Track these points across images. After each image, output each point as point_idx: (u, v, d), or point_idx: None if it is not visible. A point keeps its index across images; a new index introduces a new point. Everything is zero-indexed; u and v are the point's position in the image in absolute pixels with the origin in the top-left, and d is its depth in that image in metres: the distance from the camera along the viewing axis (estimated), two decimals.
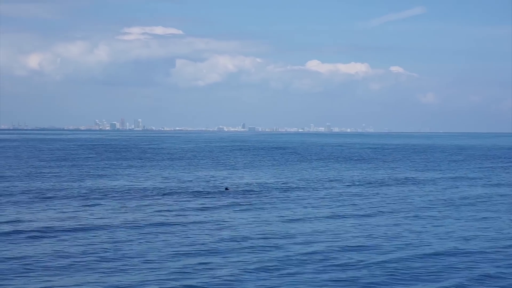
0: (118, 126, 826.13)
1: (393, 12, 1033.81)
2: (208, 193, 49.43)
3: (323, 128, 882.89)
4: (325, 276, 23.11)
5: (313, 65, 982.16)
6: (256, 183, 58.90)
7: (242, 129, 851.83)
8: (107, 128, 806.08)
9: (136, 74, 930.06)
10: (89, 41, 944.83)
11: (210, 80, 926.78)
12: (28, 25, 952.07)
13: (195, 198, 46.09)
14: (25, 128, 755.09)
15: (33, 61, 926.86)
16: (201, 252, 26.77)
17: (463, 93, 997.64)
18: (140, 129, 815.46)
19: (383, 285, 22.16)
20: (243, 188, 53.51)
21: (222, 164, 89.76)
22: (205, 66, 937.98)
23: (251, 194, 48.82)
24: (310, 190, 53.08)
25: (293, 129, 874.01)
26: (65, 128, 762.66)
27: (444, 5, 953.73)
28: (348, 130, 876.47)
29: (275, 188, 53.81)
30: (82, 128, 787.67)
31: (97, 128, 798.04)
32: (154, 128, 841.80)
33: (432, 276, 23.23)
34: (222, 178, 64.69)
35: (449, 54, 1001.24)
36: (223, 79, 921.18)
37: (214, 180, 61.39)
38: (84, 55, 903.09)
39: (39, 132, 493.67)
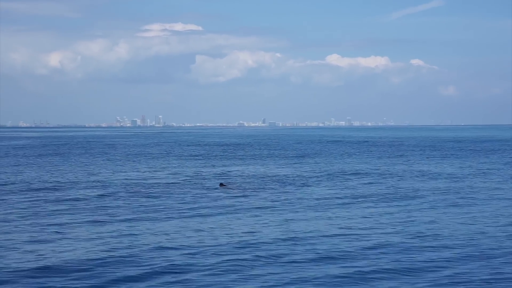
0: (139, 122, 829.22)
1: (412, 6, 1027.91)
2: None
3: (343, 122, 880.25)
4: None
5: (333, 59, 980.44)
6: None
7: (263, 124, 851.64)
8: (128, 125, 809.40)
9: (156, 70, 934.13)
10: (109, 38, 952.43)
11: (230, 76, 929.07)
12: (49, 24, 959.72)
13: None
14: (47, 126, 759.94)
15: (54, 59, 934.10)
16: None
17: (484, 85, 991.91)
18: (161, 125, 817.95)
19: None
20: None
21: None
22: (225, 62, 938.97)
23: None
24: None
25: (314, 124, 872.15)
26: (87, 126, 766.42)
27: None
28: (369, 124, 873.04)
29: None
30: (103, 125, 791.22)
31: (118, 125, 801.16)
32: (174, 124, 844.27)
33: None
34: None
35: (469, 46, 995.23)
36: (243, 74, 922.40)
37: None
38: (104, 53, 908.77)
39: (62, 129, 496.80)
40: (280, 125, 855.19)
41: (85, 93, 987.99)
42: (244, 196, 41.18)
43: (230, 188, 45.48)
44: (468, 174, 58.00)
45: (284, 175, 56.64)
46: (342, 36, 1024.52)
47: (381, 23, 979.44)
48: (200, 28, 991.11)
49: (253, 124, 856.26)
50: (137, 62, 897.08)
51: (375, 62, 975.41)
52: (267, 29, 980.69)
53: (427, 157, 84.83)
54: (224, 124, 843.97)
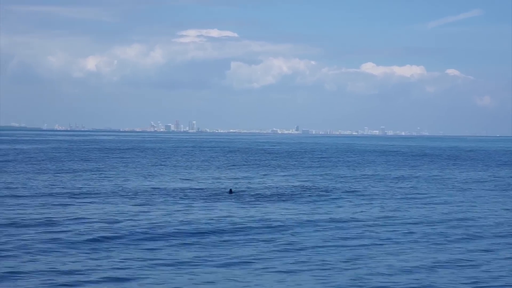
0: (172, 128, 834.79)
1: (451, 15, 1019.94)
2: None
3: (377, 131, 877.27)
4: None
5: (368, 67, 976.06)
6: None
7: (296, 132, 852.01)
8: (162, 130, 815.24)
9: (191, 76, 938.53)
10: (145, 43, 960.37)
11: (265, 83, 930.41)
12: (87, 28, 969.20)
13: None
14: (82, 129, 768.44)
15: (91, 63, 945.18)
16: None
17: None
18: (194, 131, 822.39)
19: None
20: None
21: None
22: (260, 69, 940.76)
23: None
24: None
25: (347, 132, 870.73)
26: (121, 130, 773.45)
27: (501, 7, 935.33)
28: (403, 133, 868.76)
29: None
30: (137, 129, 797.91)
31: (152, 130, 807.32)
32: (208, 130, 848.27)
33: None
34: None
35: (506, 57, 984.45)
36: (277, 81, 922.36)
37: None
38: (140, 58, 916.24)
39: (96, 133, 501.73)
40: (313, 132, 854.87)
41: (120, 97, 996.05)
42: None
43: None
44: None
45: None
46: (378, 44, 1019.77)
47: (418, 31, 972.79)
48: (235, 34, 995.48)
49: (286, 131, 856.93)
50: (173, 67, 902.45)
51: (411, 71, 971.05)
52: (303, 36, 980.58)
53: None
54: (258, 131, 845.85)
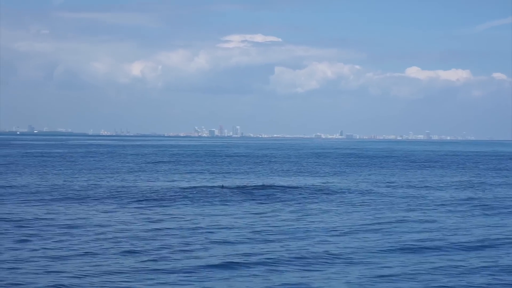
0: (216, 133, 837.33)
1: (498, 18, 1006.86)
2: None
3: (422, 136, 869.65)
4: None
5: (413, 72, 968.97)
6: None
7: (340, 137, 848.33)
8: (205, 134, 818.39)
9: (235, 81, 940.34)
10: (190, 49, 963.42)
11: (309, 87, 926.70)
12: (132, 34, 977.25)
13: None
14: (127, 134, 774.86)
15: (136, 69, 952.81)
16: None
17: None
18: (238, 136, 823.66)
19: None
20: None
21: None
22: (304, 73, 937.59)
23: None
24: None
25: (391, 137, 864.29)
26: (165, 135, 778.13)
27: None
28: (448, 138, 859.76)
29: None
30: (181, 134, 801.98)
31: (196, 134, 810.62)
32: (252, 135, 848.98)
33: None
34: None
35: None
36: (321, 86, 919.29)
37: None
38: (184, 63, 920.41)
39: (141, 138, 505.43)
40: (358, 137, 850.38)
41: (165, 102, 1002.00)
42: None
43: None
44: None
45: None
46: (423, 48, 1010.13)
47: (464, 35, 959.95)
48: (280, 39, 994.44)
49: (330, 136, 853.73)
50: (217, 72, 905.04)
51: (456, 75, 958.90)
52: (347, 40, 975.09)
53: None
54: (301, 136, 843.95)
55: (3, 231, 33.57)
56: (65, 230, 34.23)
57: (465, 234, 35.20)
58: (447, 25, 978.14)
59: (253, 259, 27.39)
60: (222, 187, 52.17)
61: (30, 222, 36.92)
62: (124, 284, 22.97)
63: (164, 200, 50.17)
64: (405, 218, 41.45)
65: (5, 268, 25.08)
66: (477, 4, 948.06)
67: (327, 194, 56.93)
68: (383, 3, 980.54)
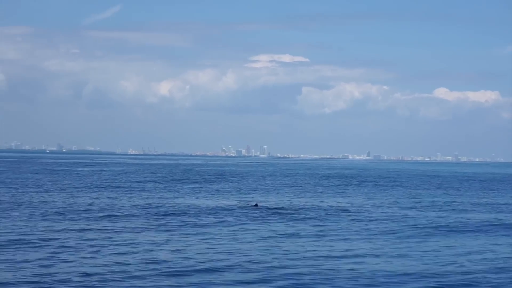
0: (243, 152, 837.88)
1: None
2: None
3: (450, 157, 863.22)
4: None
5: (441, 92, 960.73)
6: None
7: (367, 157, 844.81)
8: (233, 154, 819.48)
9: (262, 101, 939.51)
10: (217, 68, 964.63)
11: (336, 108, 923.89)
12: (160, 53, 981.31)
13: None
14: (154, 153, 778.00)
15: (164, 88, 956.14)
16: None
17: None
18: (265, 155, 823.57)
19: None
20: None
21: None
22: (331, 94, 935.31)
23: None
24: None
25: (419, 158, 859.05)
26: (193, 154, 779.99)
27: None
28: (477, 159, 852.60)
29: None
30: (209, 154, 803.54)
31: (223, 154, 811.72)
32: (279, 155, 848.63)
33: None
34: None
35: None
36: (348, 106, 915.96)
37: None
38: (212, 83, 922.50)
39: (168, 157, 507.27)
40: (385, 158, 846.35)
41: (192, 121, 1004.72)
42: None
43: None
44: None
45: None
46: (452, 69, 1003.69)
47: (493, 56, 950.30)
48: (307, 59, 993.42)
49: (357, 157, 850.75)
50: (244, 92, 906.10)
51: (485, 96, 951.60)
52: (375, 61, 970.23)
53: None
54: (329, 156, 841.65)
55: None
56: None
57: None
58: (476, 46, 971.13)
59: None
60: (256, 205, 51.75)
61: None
62: None
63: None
64: None
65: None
66: (507, 25, 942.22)
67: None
68: (411, 24, 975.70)
